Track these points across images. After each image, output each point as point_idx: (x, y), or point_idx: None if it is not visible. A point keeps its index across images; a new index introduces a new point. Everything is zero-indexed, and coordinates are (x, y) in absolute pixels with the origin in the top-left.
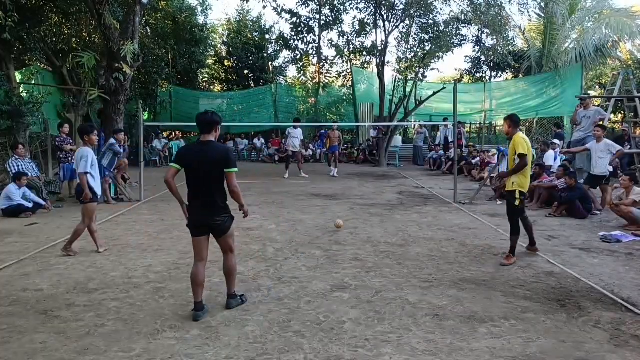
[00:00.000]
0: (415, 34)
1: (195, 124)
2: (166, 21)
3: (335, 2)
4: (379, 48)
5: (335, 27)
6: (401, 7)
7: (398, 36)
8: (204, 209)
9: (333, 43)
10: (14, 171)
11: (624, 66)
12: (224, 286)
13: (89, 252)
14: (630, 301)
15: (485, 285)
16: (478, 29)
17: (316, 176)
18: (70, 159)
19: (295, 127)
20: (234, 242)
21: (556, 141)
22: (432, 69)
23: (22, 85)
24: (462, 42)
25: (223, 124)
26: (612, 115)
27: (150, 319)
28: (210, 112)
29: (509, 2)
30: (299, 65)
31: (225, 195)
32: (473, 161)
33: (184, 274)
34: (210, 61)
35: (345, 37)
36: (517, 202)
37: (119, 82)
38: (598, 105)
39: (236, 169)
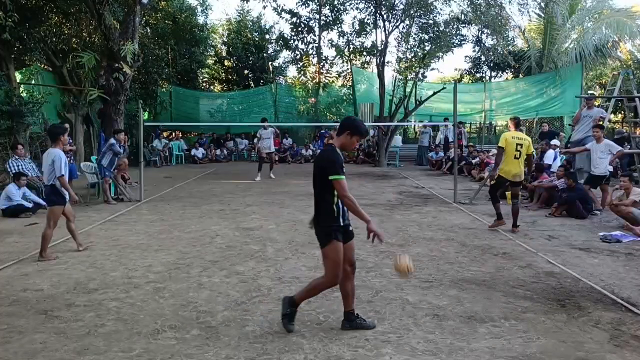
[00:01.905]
0: (415, 34)
1: (195, 124)
2: (166, 21)
3: (335, 2)
4: (379, 48)
5: (335, 27)
6: (401, 7)
7: (398, 36)
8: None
9: (333, 43)
10: (14, 171)
11: (624, 66)
12: (224, 286)
13: (89, 252)
14: (630, 301)
15: (485, 285)
16: (478, 29)
17: None
18: (70, 159)
19: (265, 128)
20: (330, 267)
21: (555, 141)
22: (432, 69)
23: (22, 85)
24: (462, 42)
25: (223, 123)
26: (612, 116)
27: (150, 319)
28: (350, 117)
29: (509, 2)
30: (299, 65)
31: (327, 206)
32: (473, 161)
33: (183, 274)
34: (210, 61)
35: (345, 37)
36: (492, 182)
37: (119, 82)
38: (598, 106)
39: (338, 177)
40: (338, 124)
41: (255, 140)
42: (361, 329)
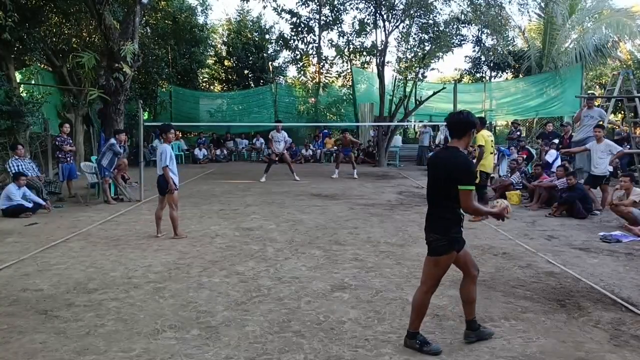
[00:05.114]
0: (415, 34)
1: (195, 124)
2: (166, 21)
3: (335, 2)
4: (379, 48)
5: (335, 27)
6: (401, 7)
7: (398, 36)
8: (425, 220)
9: (333, 43)
10: (13, 171)
11: (624, 66)
12: (224, 286)
13: (89, 252)
14: (630, 301)
15: (485, 285)
16: (478, 29)
17: (316, 176)
18: (69, 159)
19: (278, 131)
20: (437, 276)
21: (555, 140)
22: (432, 69)
23: (22, 85)
24: (462, 42)
25: (223, 123)
26: (611, 116)
27: (150, 319)
28: (465, 112)
29: (509, 2)
30: (299, 65)
31: (448, 214)
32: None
33: (183, 274)
34: (210, 61)
35: (345, 37)
36: (477, 180)
37: (119, 82)
38: (598, 106)
39: (469, 187)
40: (338, 123)
41: (270, 142)
42: (484, 340)
